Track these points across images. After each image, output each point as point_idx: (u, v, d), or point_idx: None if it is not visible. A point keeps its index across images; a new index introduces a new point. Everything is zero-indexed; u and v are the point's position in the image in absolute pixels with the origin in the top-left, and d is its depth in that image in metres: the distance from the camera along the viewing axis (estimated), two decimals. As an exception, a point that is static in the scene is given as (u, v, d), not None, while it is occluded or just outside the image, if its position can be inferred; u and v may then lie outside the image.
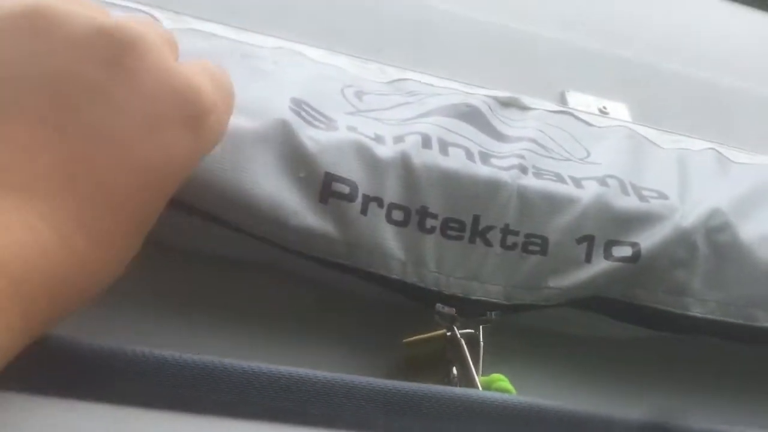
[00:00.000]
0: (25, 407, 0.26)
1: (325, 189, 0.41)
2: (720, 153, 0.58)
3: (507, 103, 0.57)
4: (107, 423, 0.27)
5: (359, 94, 0.51)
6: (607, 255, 0.44)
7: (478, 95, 0.55)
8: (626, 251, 0.44)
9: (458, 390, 0.34)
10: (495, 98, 0.56)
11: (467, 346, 0.42)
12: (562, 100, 0.67)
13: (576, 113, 0.60)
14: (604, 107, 0.67)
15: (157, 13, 0.51)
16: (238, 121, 0.40)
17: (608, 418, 0.34)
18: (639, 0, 0.90)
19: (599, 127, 0.58)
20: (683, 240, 0.44)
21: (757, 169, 0.56)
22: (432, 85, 0.57)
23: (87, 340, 0.29)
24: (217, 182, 0.39)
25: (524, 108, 0.57)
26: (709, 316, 0.45)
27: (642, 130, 0.59)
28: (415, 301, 0.43)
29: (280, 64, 0.50)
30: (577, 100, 0.67)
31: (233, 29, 0.54)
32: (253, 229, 0.40)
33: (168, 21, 0.51)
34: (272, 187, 0.40)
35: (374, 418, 0.30)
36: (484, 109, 0.53)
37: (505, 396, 0.34)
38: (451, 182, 0.43)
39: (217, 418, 0.28)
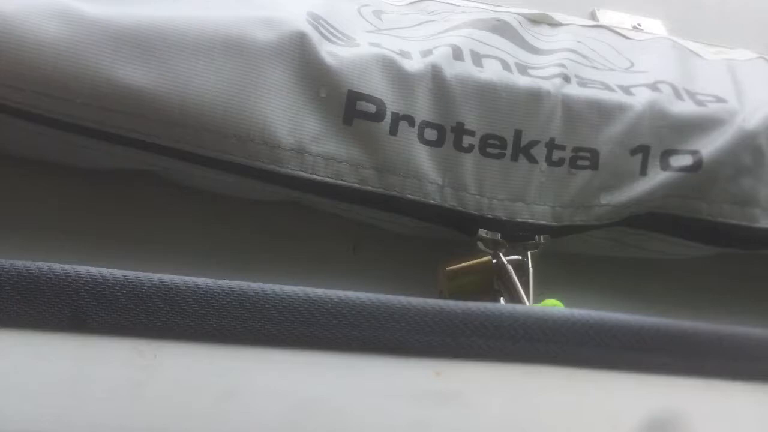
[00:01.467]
0: None
1: (349, 109, 0.37)
2: (770, 61, 0.53)
3: (537, 20, 0.52)
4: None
5: (378, 13, 0.47)
6: (665, 165, 0.40)
7: (506, 11, 0.50)
8: (686, 160, 0.40)
9: (518, 306, 0.30)
10: (524, 15, 0.51)
11: (515, 274, 0.38)
12: (593, 18, 0.62)
13: (612, 27, 0.55)
14: (639, 24, 0.62)
15: None
16: (249, 33, 0.36)
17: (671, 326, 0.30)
18: None
19: (639, 40, 0.54)
20: (748, 144, 0.40)
21: (814, 74, 0.52)
22: (455, 5, 0.52)
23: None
24: (227, 107, 0.35)
25: (555, 24, 0.53)
26: (779, 227, 0.41)
27: (683, 42, 0.55)
28: (456, 229, 0.40)
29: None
30: (610, 18, 0.62)
31: None
32: (270, 161, 0.36)
33: None
34: (290, 109, 0.36)
35: (428, 339, 0.26)
36: (514, 23, 0.48)
37: (566, 310, 0.30)
38: (488, 95, 0.39)
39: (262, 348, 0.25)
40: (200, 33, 0.35)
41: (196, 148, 0.35)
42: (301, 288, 0.27)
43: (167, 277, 0.26)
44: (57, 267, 0.25)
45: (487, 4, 0.54)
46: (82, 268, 0.25)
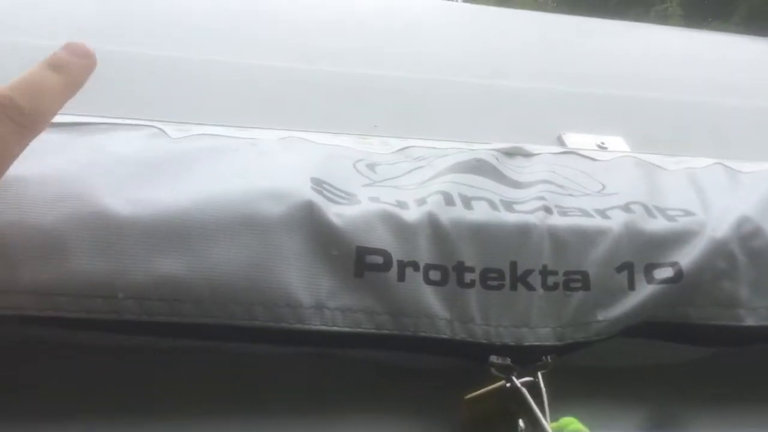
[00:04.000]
0: None
1: (359, 263, 0.41)
2: (726, 166, 0.59)
3: (511, 153, 0.58)
4: None
5: (371, 166, 0.52)
6: (650, 279, 0.44)
7: (483, 149, 0.56)
8: (668, 272, 0.44)
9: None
10: (499, 150, 0.57)
11: (529, 394, 0.41)
12: (561, 143, 0.68)
13: (579, 151, 0.61)
14: (602, 143, 0.69)
15: (164, 126, 0.53)
16: (262, 209, 0.40)
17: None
18: (615, 38, 0.94)
19: (604, 160, 0.59)
20: (720, 251, 0.44)
21: (764, 174, 0.57)
22: (435, 148, 0.58)
23: None
24: (250, 279, 0.39)
25: (528, 155, 0.58)
26: (764, 323, 0.44)
27: (644, 157, 0.61)
28: (468, 359, 0.42)
29: (289, 149, 0.51)
30: (575, 140, 0.68)
31: (238, 128, 0.56)
32: (295, 320, 0.39)
33: (176, 132, 0.52)
34: (306, 271, 0.40)
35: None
36: (492, 161, 0.54)
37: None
38: (482, 233, 0.43)
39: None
40: (220, 215, 0.40)
41: (226, 320, 0.38)
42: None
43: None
44: None
45: (464, 143, 0.60)
46: None
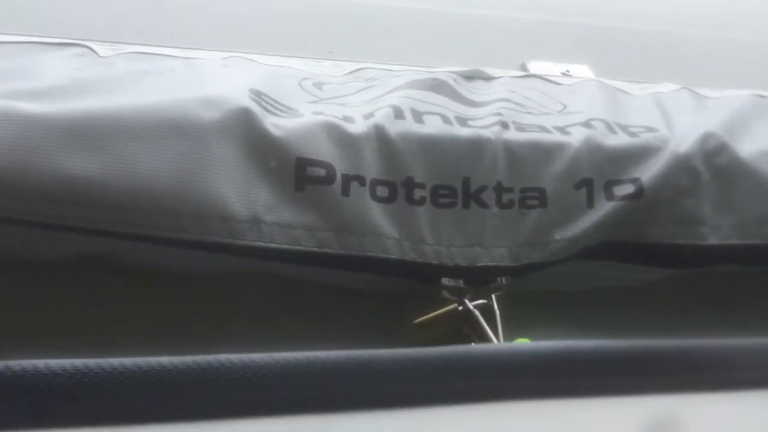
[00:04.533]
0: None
1: (300, 175, 0.38)
2: (692, 90, 0.57)
3: (471, 76, 0.55)
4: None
5: (318, 85, 0.48)
6: (609, 196, 0.41)
7: (441, 71, 0.53)
8: (628, 188, 0.41)
9: (481, 346, 0.30)
10: (458, 72, 0.54)
11: (482, 317, 0.39)
12: (524, 70, 0.65)
13: (542, 76, 0.58)
14: (567, 70, 0.66)
15: (96, 46, 0.48)
16: (193, 113, 0.37)
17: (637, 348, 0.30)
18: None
19: (568, 84, 0.57)
20: (683, 167, 0.42)
21: (732, 99, 0.55)
22: (391, 70, 0.55)
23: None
24: (179, 187, 0.35)
25: (489, 78, 0.55)
26: (726, 242, 0.42)
27: (610, 82, 0.58)
28: (419, 281, 0.40)
29: (231, 67, 0.47)
30: (540, 68, 0.65)
31: (178, 49, 0.51)
32: (227, 234, 0.36)
33: (108, 50, 0.48)
34: (242, 182, 0.37)
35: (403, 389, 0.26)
36: (450, 81, 0.51)
37: (531, 343, 0.31)
38: (433, 148, 0.40)
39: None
40: (145, 118, 0.36)
41: (152, 231, 0.35)
42: (269, 354, 0.26)
43: (129, 361, 0.25)
44: (13, 364, 0.24)
45: (422, 66, 0.57)
46: (40, 362, 0.24)
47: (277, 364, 0.25)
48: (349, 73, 0.54)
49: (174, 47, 0.52)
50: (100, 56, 0.47)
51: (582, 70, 0.66)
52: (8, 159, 0.33)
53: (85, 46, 0.48)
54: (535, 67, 0.66)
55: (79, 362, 0.25)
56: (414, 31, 0.70)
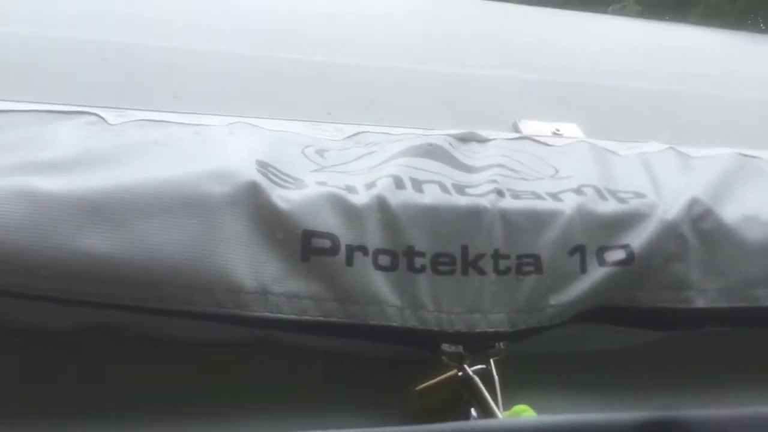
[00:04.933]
0: None
1: (306, 247, 0.39)
2: (678, 150, 0.59)
3: (465, 139, 0.57)
4: None
5: (321, 152, 0.50)
6: (602, 261, 0.43)
7: (436, 135, 0.55)
8: (620, 254, 0.43)
9: (483, 422, 0.31)
10: (452, 135, 0.56)
11: (482, 383, 0.40)
12: (516, 130, 0.67)
13: (533, 137, 0.60)
14: (557, 129, 0.68)
15: (102, 112, 0.50)
16: (204, 188, 0.39)
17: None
18: (573, 29, 0.94)
19: (559, 146, 0.59)
20: (671, 233, 0.44)
21: (717, 159, 0.57)
22: (389, 134, 0.57)
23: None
24: (190, 262, 0.37)
25: (482, 141, 0.57)
26: (713, 305, 0.44)
27: (598, 142, 0.60)
28: (419, 347, 0.41)
29: (236, 134, 0.49)
30: (531, 127, 0.68)
31: (183, 115, 0.53)
32: (235, 305, 0.38)
33: (116, 117, 0.50)
34: (250, 254, 0.38)
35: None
36: (446, 146, 0.53)
37: (533, 418, 0.32)
38: (433, 217, 0.42)
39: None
40: (157, 194, 0.38)
41: (163, 304, 0.36)
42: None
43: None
44: None
45: (419, 130, 0.59)
46: None
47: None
48: (348, 137, 0.56)
49: (178, 112, 0.54)
50: (109, 124, 0.49)
51: (571, 129, 0.69)
52: (25, 237, 0.35)
53: (94, 114, 0.50)
54: (527, 126, 0.68)
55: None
56: (409, 91, 0.73)
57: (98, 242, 0.35)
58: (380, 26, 0.84)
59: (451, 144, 0.54)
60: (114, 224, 0.36)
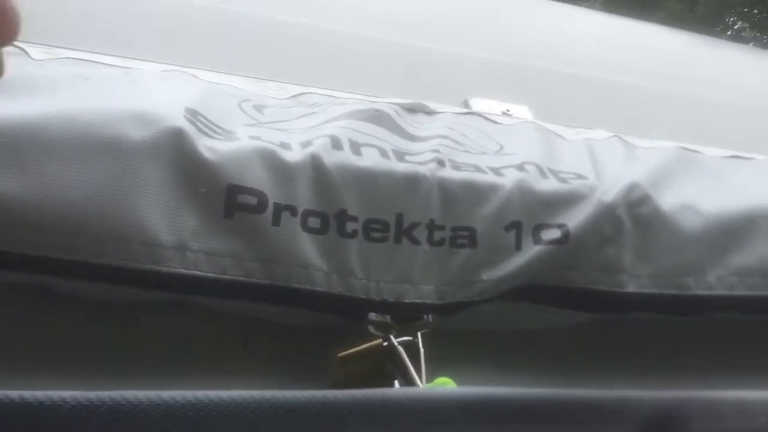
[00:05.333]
0: None
1: (230, 202, 0.37)
2: (623, 139, 0.59)
3: (412, 109, 0.55)
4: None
5: (259, 108, 0.48)
6: (537, 239, 0.42)
7: (384, 102, 0.53)
8: (555, 233, 0.42)
9: (400, 390, 0.30)
10: (400, 104, 0.54)
11: (407, 355, 0.39)
12: (466, 106, 0.66)
13: (483, 114, 0.59)
14: (508, 110, 0.67)
15: (29, 48, 0.47)
16: (123, 131, 0.36)
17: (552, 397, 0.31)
18: (534, 14, 0.94)
19: (507, 124, 0.58)
20: (608, 215, 0.44)
21: (660, 150, 0.57)
22: (335, 97, 0.55)
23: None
24: (102, 209, 0.34)
25: (430, 113, 0.56)
26: (644, 291, 0.44)
27: (547, 125, 0.60)
28: (345, 315, 0.40)
29: (169, 81, 0.46)
30: (481, 105, 0.67)
31: (118, 58, 0.50)
32: (150, 260, 0.35)
33: (41, 53, 0.46)
34: (169, 206, 0.36)
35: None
36: (392, 113, 0.51)
37: (450, 389, 0.31)
38: (368, 181, 0.40)
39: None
40: (71, 135, 0.35)
41: (71, 255, 0.33)
42: (180, 392, 0.25)
43: (29, 394, 0.24)
44: None
45: (366, 96, 0.57)
46: None
47: (186, 403, 0.25)
48: (292, 96, 0.53)
49: (112, 55, 0.50)
50: (32, 58, 0.45)
51: (522, 111, 0.68)
52: None
53: (15, 45, 0.46)
54: (478, 104, 0.67)
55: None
56: (361, 59, 0.71)
57: (2, 182, 0.32)
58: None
59: (397, 112, 0.52)
60: (17, 164, 0.33)
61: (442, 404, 0.29)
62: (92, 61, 0.48)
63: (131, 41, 0.59)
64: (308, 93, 0.54)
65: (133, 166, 0.35)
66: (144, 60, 0.52)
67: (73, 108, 0.36)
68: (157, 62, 0.52)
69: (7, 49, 0.47)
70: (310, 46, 0.69)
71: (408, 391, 0.31)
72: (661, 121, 0.76)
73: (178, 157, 0.36)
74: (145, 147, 0.36)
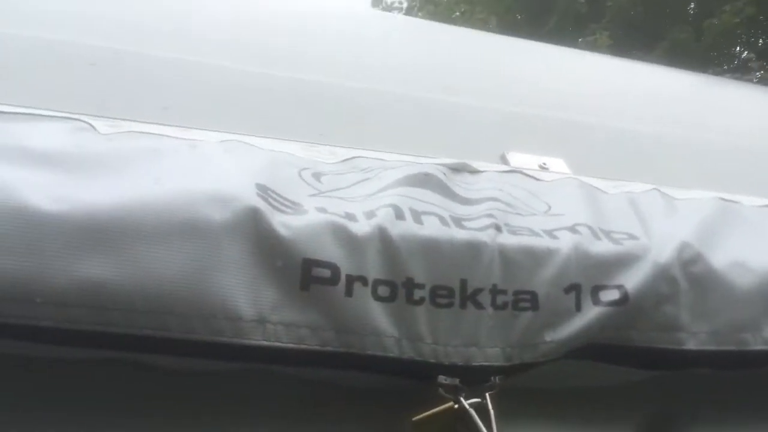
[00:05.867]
0: None
1: (305, 275, 0.39)
2: (662, 192, 0.60)
3: (457, 169, 0.57)
4: None
5: (317, 176, 0.50)
6: (596, 301, 0.44)
7: (429, 163, 0.55)
8: (614, 294, 0.44)
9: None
10: (446, 165, 0.56)
11: (477, 416, 0.40)
12: (504, 161, 0.68)
13: (524, 171, 0.61)
14: (544, 163, 0.69)
15: (92, 121, 0.49)
16: (204, 213, 0.38)
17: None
18: (559, 63, 0.96)
19: (548, 181, 0.60)
20: (664, 275, 0.45)
21: (700, 203, 0.59)
22: (383, 160, 0.57)
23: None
24: (188, 288, 0.36)
25: (474, 171, 0.58)
26: (704, 348, 0.45)
27: (586, 179, 0.61)
28: (416, 379, 0.41)
29: (232, 152, 0.49)
30: (518, 159, 0.69)
31: (177, 128, 0.52)
32: (233, 334, 0.37)
33: (107, 127, 0.49)
34: (249, 282, 0.38)
35: None
36: (440, 175, 0.53)
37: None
38: (432, 249, 0.42)
39: None
40: (156, 218, 0.37)
41: (160, 332, 0.35)
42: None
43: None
44: None
45: (409, 156, 0.59)
46: None
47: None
48: (343, 161, 0.55)
49: (167, 125, 0.53)
50: (99, 133, 0.48)
51: (557, 164, 0.70)
52: (19, 261, 0.33)
53: (83, 121, 0.49)
54: (515, 158, 0.69)
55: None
56: (399, 116, 0.73)
57: (95, 267, 0.34)
58: (374, 50, 0.84)
59: (444, 174, 0.54)
60: (111, 249, 0.35)
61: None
62: (155, 134, 0.50)
63: (180, 108, 0.61)
64: (358, 157, 0.56)
65: (215, 245, 0.37)
66: (197, 129, 0.54)
67: (156, 191, 0.39)
68: (209, 130, 0.54)
69: (75, 124, 0.50)
70: (351, 107, 0.72)
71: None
72: (689, 170, 0.78)
73: (255, 235, 0.38)
74: (226, 227, 0.38)
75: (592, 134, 0.78)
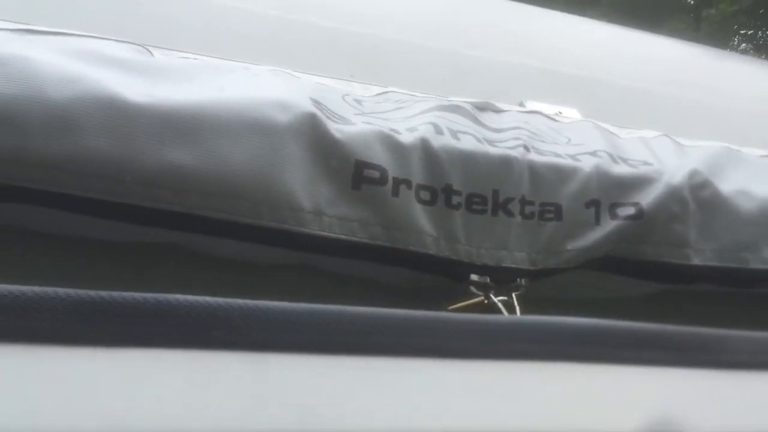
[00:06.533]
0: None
1: (357, 176, 0.43)
2: (671, 138, 0.65)
3: (482, 107, 0.61)
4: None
5: (358, 101, 0.54)
6: (614, 215, 0.48)
7: (457, 99, 0.59)
8: (630, 210, 0.48)
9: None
10: (471, 103, 0.60)
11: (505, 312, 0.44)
12: (522, 107, 0.72)
13: (542, 112, 0.65)
14: (559, 112, 0.73)
15: (148, 48, 0.52)
16: (269, 115, 0.42)
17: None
18: (578, 31, 1.00)
19: (566, 122, 0.64)
20: (675, 196, 0.49)
21: (707, 147, 0.63)
22: (414, 95, 0.61)
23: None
24: (258, 179, 0.40)
25: (498, 111, 0.62)
26: (708, 263, 0.49)
27: (601, 124, 0.66)
28: (450, 277, 0.45)
29: (281, 76, 0.52)
30: (536, 107, 0.73)
31: (219, 59, 0.56)
32: (296, 223, 0.41)
33: (159, 54, 0.52)
34: (307, 178, 0.42)
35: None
36: (468, 108, 0.57)
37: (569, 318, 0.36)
38: (469, 161, 0.46)
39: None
40: (228, 116, 0.40)
41: (233, 216, 0.39)
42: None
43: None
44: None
45: (437, 95, 0.63)
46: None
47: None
48: (377, 94, 0.59)
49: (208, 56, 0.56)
50: (156, 57, 0.51)
51: (572, 113, 0.74)
52: (110, 143, 0.37)
53: (139, 45, 0.52)
54: (532, 105, 0.73)
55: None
56: (423, 66, 0.77)
57: (177, 154, 0.38)
58: (400, 2, 0.88)
59: (470, 109, 0.58)
60: (190, 139, 0.39)
61: (552, 328, 0.34)
62: (208, 57, 0.53)
63: (214, 46, 0.65)
64: (389, 92, 0.60)
65: (279, 143, 0.41)
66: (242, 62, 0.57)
67: (224, 96, 0.42)
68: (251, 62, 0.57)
69: (135, 48, 0.53)
70: (377, 55, 0.75)
71: (516, 317, 0.36)
72: (701, 127, 0.82)
73: (313, 137, 0.42)
74: (288, 128, 0.42)
75: (606, 91, 0.82)
